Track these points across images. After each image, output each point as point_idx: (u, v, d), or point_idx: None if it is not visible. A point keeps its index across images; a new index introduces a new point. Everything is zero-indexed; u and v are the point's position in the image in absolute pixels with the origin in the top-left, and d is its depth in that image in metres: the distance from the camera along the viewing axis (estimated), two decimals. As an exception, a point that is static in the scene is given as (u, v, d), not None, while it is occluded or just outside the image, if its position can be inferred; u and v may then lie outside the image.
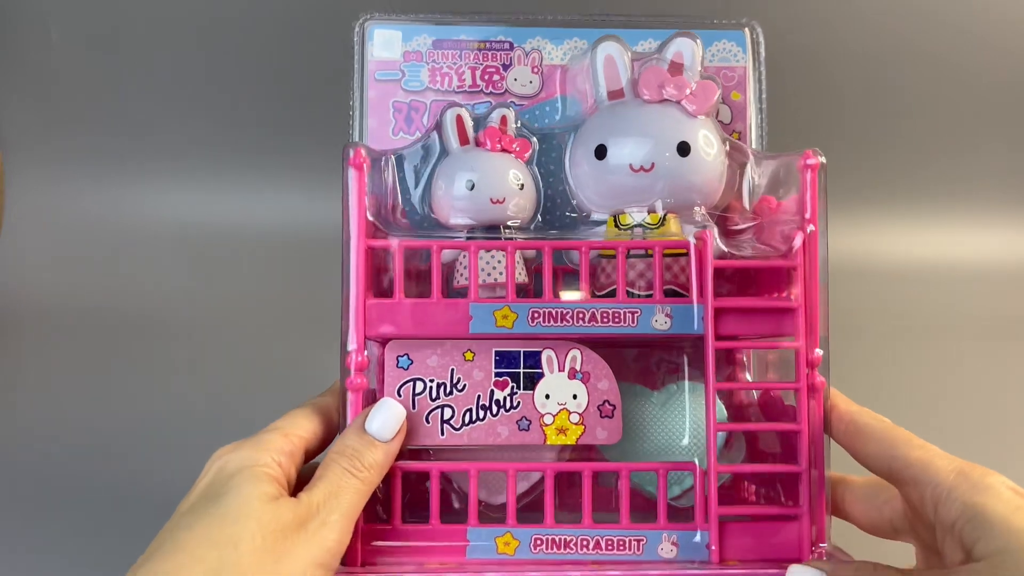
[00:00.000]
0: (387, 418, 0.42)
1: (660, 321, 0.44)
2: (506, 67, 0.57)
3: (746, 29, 0.57)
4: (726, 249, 0.46)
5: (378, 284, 0.47)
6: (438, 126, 0.50)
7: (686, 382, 0.49)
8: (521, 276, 0.48)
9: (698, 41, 0.51)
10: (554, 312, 0.44)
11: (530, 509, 0.46)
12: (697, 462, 0.45)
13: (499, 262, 0.47)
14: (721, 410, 0.48)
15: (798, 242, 0.45)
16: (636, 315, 0.44)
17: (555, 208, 0.54)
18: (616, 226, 0.49)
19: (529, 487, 0.47)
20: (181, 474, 0.53)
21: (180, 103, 0.82)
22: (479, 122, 0.51)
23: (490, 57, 0.57)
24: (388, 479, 0.43)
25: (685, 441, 0.47)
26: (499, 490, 0.47)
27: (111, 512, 0.53)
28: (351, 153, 0.44)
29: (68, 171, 0.83)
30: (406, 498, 0.44)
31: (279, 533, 0.37)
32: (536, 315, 0.44)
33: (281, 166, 0.83)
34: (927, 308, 0.81)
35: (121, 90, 0.82)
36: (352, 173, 0.44)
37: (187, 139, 0.83)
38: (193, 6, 0.81)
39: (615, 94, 0.51)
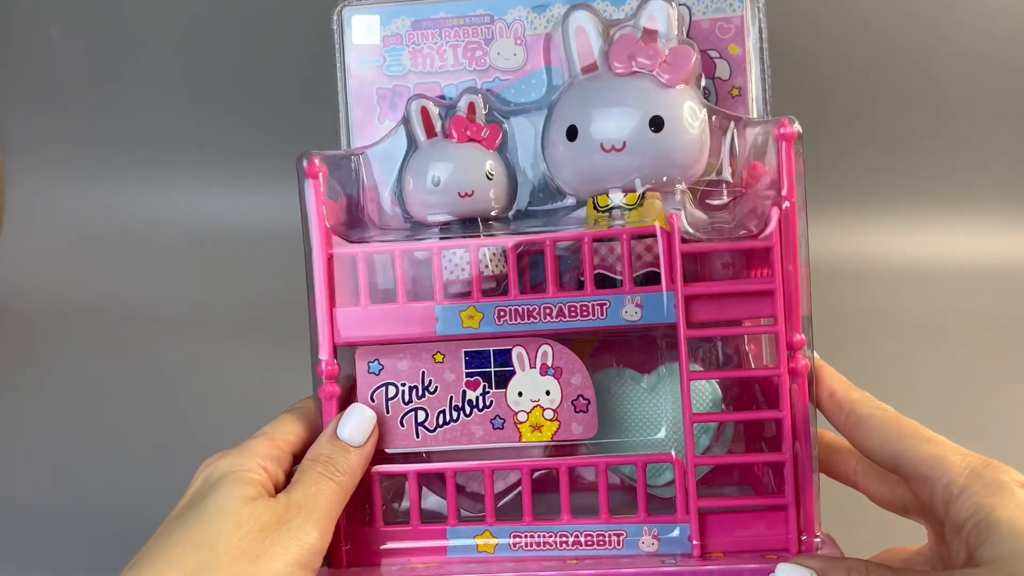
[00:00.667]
0: (358, 424, 0.43)
1: (630, 312, 0.43)
2: (488, 41, 0.55)
3: (742, -25, 0.53)
4: (691, 231, 0.44)
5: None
6: (405, 119, 0.49)
7: (661, 368, 0.48)
8: (499, 268, 0.47)
9: (673, 3, 0.48)
10: (521, 309, 0.43)
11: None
12: (675, 452, 0.44)
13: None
14: (716, 391, 0.47)
15: (773, 220, 0.42)
16: (605, 307, 0.43)
17: (543, 189, 0.52)
18: (595, 208, 0.47)
19: (517, 480, 0.47)
20: (181, 473, 0.55)
21: (180, 103, 0.82)
22: (450, 110, 0.49)
23: (471, 33, 0.55)
24: (366, 483, 0.44)
25: (661, 434, 0.46)
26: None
27: (111, 510, 0.56)
28: (304, 163, 0.44)
29: (68, 171, 0.83)
30: (388, 497, 0.45)
31: (257, 533, 0.38)
32: (502, 313, 0.43)
33: (282, 166, 0.78)
34: (929, 308, 0.77)
35: (121, 90, 0.82)
36: (308, 184, 0.44)
37: (187, 139, 0.83)
38: (193, 6, 0.81)
39: (588, 68, 0.48)
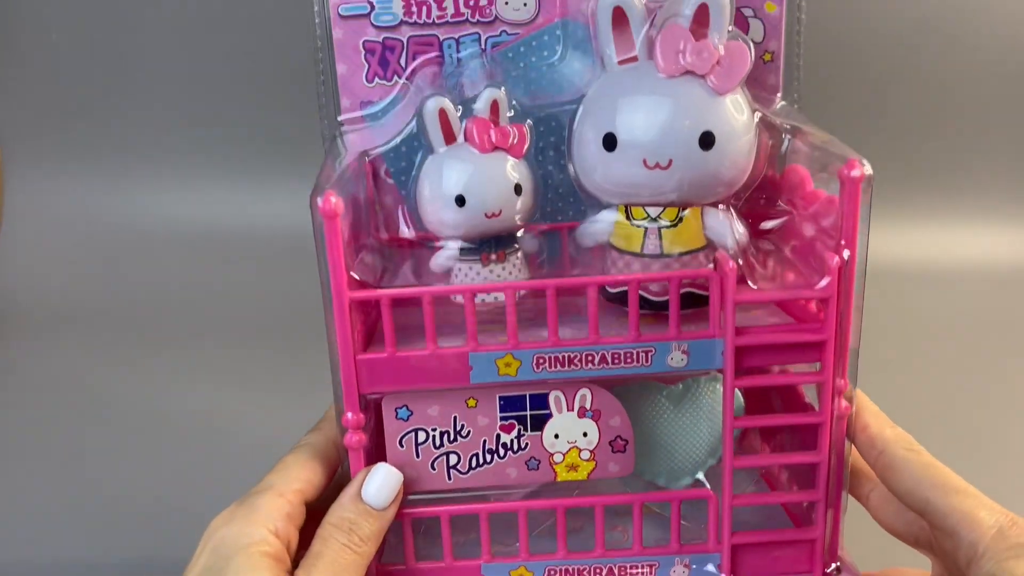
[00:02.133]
0: (383, 485, 0.41)
1: (676, 359, 0.41)
2: (495, -11, 0.48)
3: (789, -80, 0.47)
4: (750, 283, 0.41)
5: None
6: (419, 117, 0.43)
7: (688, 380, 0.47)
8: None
9: (728, -12, 0.41)
10: (561, 357, 0.41)
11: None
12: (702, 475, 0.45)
13: (498, 277, 0.43)
14: (738, 400, 0.46)
15: (832, 270, 0.39)
16: (650, 354, 0.41)
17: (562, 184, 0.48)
18: (627, 218, 0.44)
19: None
20: (179, 475, 0.52)
21: (180, 102, 0.81)
22: (465, 105, 0.43)
23: (476, -23, 0.48)
24: (398, 526, 0.42)
25: (703, 449, 0.46)
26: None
27: (108, 510, 0.55)
28: (319, 201, 0.38)
29: (68, 171, 0.83)
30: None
31: None
32: (541, 361, 0.41)
33: (282, 165, 0.82)
34: (942, 309, 0.78)
35: (121, 90, 0.82)
36: (324, 224, 0.38)
37: (187, 139, 0.82)
38: (192, 6, 0.79)
39: (627, 59, 0.42)
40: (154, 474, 0.48)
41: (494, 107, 0.42)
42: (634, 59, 0.43)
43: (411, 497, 0.43)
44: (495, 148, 0.42)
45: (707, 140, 0.41)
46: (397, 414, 0.42)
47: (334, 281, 0.39)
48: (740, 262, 0.43)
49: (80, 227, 0.83)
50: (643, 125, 0.41)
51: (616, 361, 0.41)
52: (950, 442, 0.44)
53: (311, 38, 0.46)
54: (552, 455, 0.43)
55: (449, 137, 0.42)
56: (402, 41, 0.48)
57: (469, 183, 0.41)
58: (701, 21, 0.41)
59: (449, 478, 0.43)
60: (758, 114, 0.43)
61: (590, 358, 0.41)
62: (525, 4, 0.48)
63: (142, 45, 0.82)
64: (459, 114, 0.42)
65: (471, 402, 0.42)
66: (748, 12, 0.49)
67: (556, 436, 0.43)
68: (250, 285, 0.81)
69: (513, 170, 0.42)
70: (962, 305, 0.83)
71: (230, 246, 0.83)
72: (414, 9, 0.48)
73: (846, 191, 0.39)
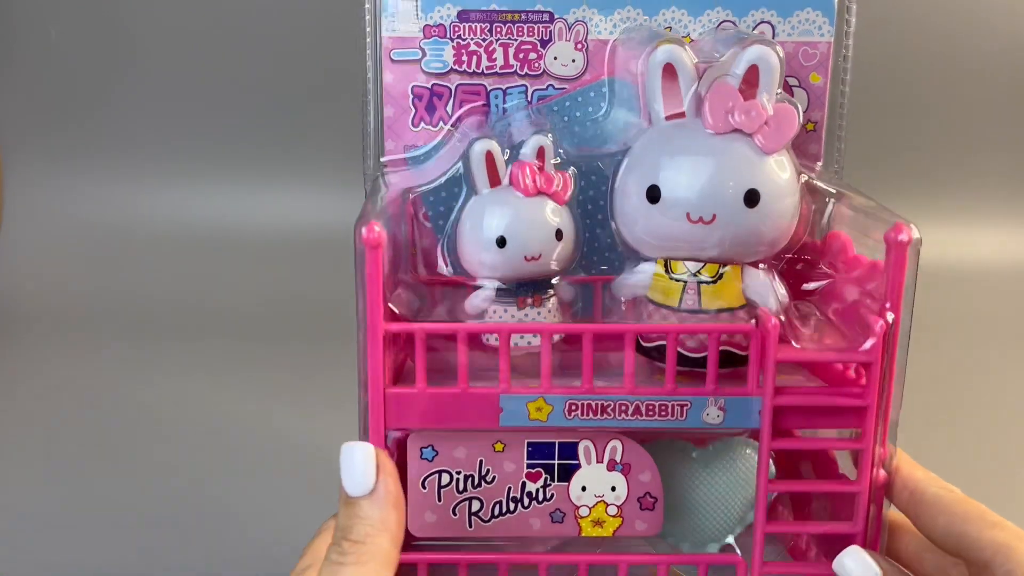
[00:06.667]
0: (354, 466, 0.37)
1: (712, 415, 0.40)
2: (545, 43, 0.49)
3: (838, -6, 0.48)
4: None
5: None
6: (465, 159, 0.43)
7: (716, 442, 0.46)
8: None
9: (779, 51, 0.42)
10: (594, 405, 0.40)
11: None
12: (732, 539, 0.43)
13: (533, 321, 0.42)
14: (770, 468, 0.45)
15: (876, 333, 0.39)
16: (686, 408, 0.40)
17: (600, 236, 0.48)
18: (666, 273, 0.43)
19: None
20: (181, 477, 0.51)
21: (180, 102, 0.81)
22: (513, 152, 0.43)
23: (526, 32, 0.49)
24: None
25: (732, 515, 0.44)
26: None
27: (108, 512, 0.53)
28: (362, 231, 0.38)
29: (68, 171, 0.83)
30: None
31: None
32: (574, 408, 0.40)
33: (283, 165, 0.82)
34: (942, 309, 0.77)
35: (121, 90, 0.82)
36: (367, 254, 0.38)
37: (187, 139, 0.82)
38: (192, 5, 0.79)
39: (674, 115, 0.43)
40: (155, 476, 0.47)
41: (540, 153, 0.42)
42: (681, 115, 0.43)
43: (428, 543, 0.42)
44: (539, 192, 0.42)
45: (752, 197, 0.41)
46: (422, 453, 0.41)
47: (370, 312, 0.39)
48: (782, 318, 0.43)
49: (80, 227, 0.82)
50: (688, 180, 0.41)
51: (650, 413, 0.40)
52: (952, 442, 0.42)
53: (313, 34, 0.46)
54: (578, 508, 0.41)
55: (494, 180, 0.42)
56: (450, 88, 0.49)
57: (511, 225, 0.41)
58: (751, 81, 0.42)
59: (470, 525, 0.41)
60: (803, 176, 0.43)
61: (624, 408, 0.40)
62: (573, 60, 0.49)
63: (142, 44, 0.82)
64: (506, 158, 0.43)
65: (498, 446, 0.41)
66: (793, 82, 0.50)
67: (583, 488, 0.41)
68: (252, 286, 0.79)
69: (555, 215, 0.42)
70: (962, 305, 0.81)
71: (231, 246, 0.82)
72: (464, 58, 0.49)
73: (893, 254, 0.39)
